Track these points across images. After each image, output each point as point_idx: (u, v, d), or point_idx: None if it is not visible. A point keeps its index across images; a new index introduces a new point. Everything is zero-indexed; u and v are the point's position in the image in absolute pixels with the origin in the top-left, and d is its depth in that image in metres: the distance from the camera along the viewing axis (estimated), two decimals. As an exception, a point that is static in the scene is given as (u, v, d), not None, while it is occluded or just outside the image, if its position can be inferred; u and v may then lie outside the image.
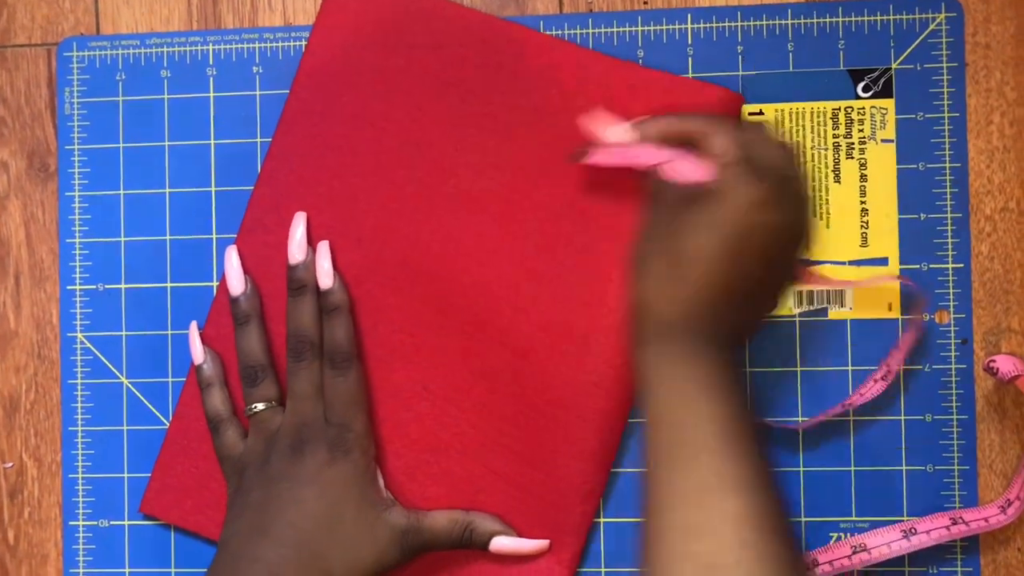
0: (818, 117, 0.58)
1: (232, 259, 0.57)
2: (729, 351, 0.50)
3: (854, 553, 0.56)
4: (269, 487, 0.53)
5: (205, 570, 0.58)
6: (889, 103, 0.58)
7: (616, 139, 0.53)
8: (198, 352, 0.57)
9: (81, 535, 0.60)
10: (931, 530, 0.55)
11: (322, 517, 0.52)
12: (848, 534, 0.57)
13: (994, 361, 0.54)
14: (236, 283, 0.57)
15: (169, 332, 0.60)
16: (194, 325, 0.58)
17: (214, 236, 0.60)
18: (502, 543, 0.55)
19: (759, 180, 0.48)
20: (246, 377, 0.56)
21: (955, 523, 0.55)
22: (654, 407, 0.48)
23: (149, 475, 0.59)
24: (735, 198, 0.48)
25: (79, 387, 0.60)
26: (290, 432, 0.55)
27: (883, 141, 0.58)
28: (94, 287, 0.60)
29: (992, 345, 0.57)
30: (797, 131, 0.58)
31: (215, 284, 0.59)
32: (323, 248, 0.56)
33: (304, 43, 0.59)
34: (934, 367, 0.57)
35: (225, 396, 0.57)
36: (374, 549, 0.53)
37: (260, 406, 0.56)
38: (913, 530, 0.55)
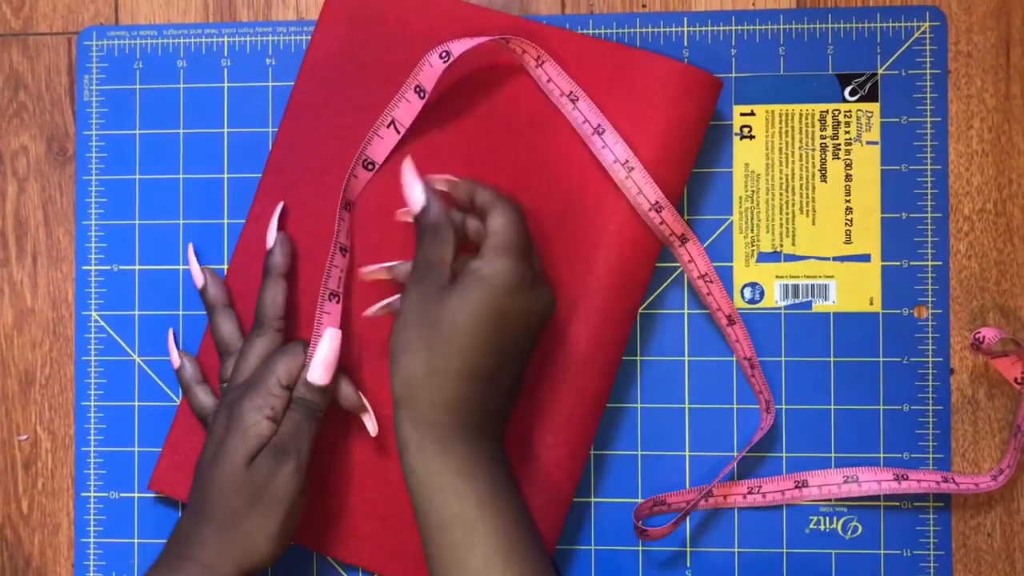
0: (806, 119, 0.60)
1: (189, 255, 0.61)
2: (487, 442, 0.52)
3: (845, 482, 0.58)
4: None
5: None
6: (874, 107, 0.60)
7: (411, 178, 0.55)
8: (175, 357, 0.60)
9: (92, 506, 0.62)
10: (922, 480, 0.58)
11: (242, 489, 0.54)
12: (828, 518, 0.59)
13: (980, 332, 0.57)
14: (196, 277, 0.60)
15: (180, 312, 0.62)
16: (171, 332, 0.61)
17: (225, 221, 0.62)
18: (313, 370, 0.55)
19: (518, 265, 0.51)
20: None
21: (945, 481, 0.58)
22: (419, 492, 0.51)
23: (158, 450, 0.61)
24: (494, 280, 0.51)
25: (92, 363, 0.62)
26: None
27: (868, 143, 0.60)
28: (108, 268, 0.63)
29: (966, 340, 0.60)
30: (786, 132, 0.60)
31: (225, 267, 0.62)
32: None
33: (316, 37, 0.62)
34: (912, 360, 0.60)
35: (208, 390, 0.59)
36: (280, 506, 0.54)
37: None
38: (905, 476, 0.58)
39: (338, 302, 0.57)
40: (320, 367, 0.55)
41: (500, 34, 0.59)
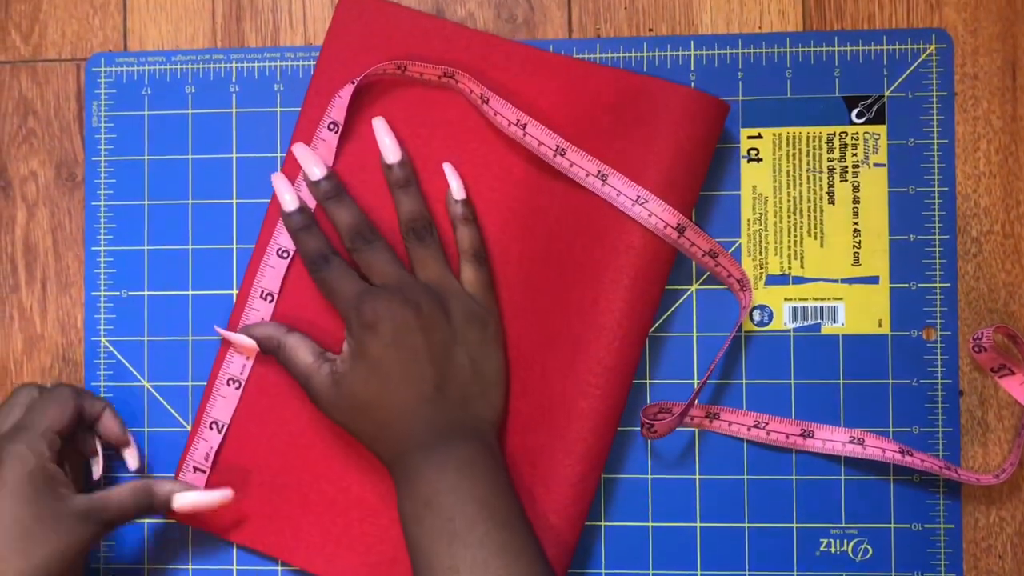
0: (814, 141, 0.60)
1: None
2: (473, 440, 0.56)
3: (850, 442, 0.59)
4: None
5: (222, 567, 0.61)
6: (881, 129, 0.60)
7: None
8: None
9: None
10: (925, 460, 0.58)
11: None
12: (839, 540, 0.59)
13: (978, 333, 0.58)
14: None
15: (190, 338, 0.62)
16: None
17: (234, 246, 0.62)
18: (182, 500, 0.57)
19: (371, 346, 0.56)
20: None
21: (948, 469, 0.58)
22: (417, 501, 0.54)
23: (169, 476, 0.61)
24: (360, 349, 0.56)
25: (102, 389, 0.62)
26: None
27: (875, 165, 0.60)
28: (118, 293, 0.63)
29: (975, 362, 0.60)
30: (793, 154, 0.61)
31: (235, 292, 0.62)
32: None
33: (324, 62, 0.62)
34: (921, 382, 0.60)
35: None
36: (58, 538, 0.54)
37: None
38: (910, 452, 0.58)
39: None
40: (187, 498, 0.58)
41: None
